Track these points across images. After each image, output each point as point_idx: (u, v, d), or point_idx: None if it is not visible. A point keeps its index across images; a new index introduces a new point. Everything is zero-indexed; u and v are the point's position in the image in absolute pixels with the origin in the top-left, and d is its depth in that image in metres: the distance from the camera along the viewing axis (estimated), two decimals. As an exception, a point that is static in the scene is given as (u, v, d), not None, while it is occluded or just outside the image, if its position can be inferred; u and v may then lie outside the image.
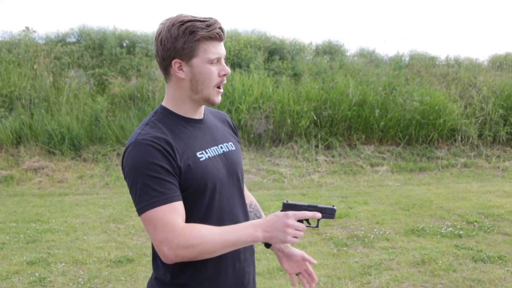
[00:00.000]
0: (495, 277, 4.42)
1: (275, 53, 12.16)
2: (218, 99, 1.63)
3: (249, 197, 1.96)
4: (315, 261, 1.87)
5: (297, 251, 1.87)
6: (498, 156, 10.53)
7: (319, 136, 9.98)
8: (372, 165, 9.71)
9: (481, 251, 5.09)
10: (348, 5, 26.01)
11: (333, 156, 9.86)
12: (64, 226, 5.83)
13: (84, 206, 6.80)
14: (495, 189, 8.36)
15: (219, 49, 1.57)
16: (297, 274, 1.90)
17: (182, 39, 1.52)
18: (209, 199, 1.60)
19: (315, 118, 10.01)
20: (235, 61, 11.42)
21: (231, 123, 1.89)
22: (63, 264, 4.63)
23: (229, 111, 9.75)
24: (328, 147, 10.05)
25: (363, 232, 5.78)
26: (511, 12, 26.23)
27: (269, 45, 12.25)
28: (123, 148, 8.72)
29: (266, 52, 12.02)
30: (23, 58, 10.38)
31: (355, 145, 10.20)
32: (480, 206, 7.03)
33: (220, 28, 1.55)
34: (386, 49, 27.43)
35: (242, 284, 1.73)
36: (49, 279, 4.28)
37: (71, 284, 4.18)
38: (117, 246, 5.16)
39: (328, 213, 1.65)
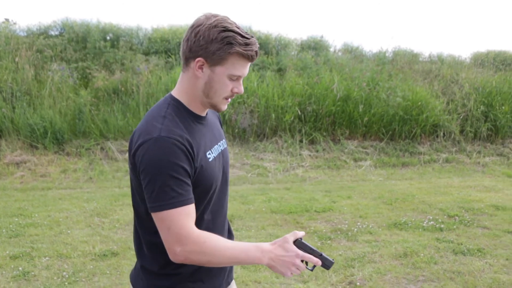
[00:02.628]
0: (474, 269, 4.51)
1: (260, 48, 12.11)
2: (225, 107, 1.64)
3: None
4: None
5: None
6: (479, 152, 10.69)
7: (303, 131, 10.03)
8: (355, 160, 9.79)
9: (461, 244, 5.19)
10: (332, 1, 26.10)
11: (317, 151, 9.92)
12: (47, 221, 5.79)
13: (68, 200, 6.76)
14: (475, 184, 8.50)
15: (245, 69, 1.57)
16: None
17: (217, 45, 1.50)
18: (210, 197, 1.63)
19: (300, 113, 10.06)
20: (220, 56, 11.41)
21: (219, 117, 1.91)
22: (47, 258, 4.61)
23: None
24: (312, 142, 10.10)
25: (346, 225, 5.85)
26: (493, 10, 26.55)
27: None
28: (107, 143, 8.72)
29: (251, 47, 12.00)
30: (3, 50, 10.24)
31: (339, 140, 10.27)
32: (460, 201, 7.15)
33: (256, 51, 1.55)
34: (370, 45, 27.61)
35: (225, 268, 1.77)
36: (33, 273, 4.25)
37: (55, 278, 4.17)
38: (101, 240, 5.15)
39: (327, 264, 1.70)
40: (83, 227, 5.59)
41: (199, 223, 1.60)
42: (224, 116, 9.69)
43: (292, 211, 6.38)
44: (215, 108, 1.63)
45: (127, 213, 6.14)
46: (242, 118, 9.90)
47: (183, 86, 1.61)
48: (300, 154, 9.63)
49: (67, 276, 4.21)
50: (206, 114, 1.70)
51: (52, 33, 11.68)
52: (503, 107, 11.32)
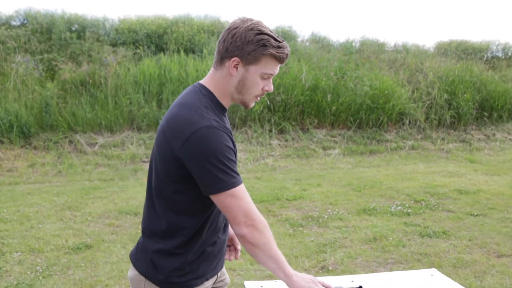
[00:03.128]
0: (440, 250, 4.70)
1: (228, 38, 12.16)
2: (253, 104, 1.74)
3: None
4: (238, 247, 2.05)
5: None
6: (443, 139, 11.01)
7: (272, 120, 10.12)
8: (324, 149, 9.95)
9: (428, 227, 5.38)
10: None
11: (286, 140, 10.03)
12: (17, 216, 5.72)
13: (37, 195, 6.67)
14: (440, 169, 8.77)
15: (275, 70, 1.67)
16: (228, 246, 2.06)
17: (252, 46, 1.60)
18: None
19: (269, 103, 10.13)
20: (189, 47, 11.37)
21: None
22: (19, 253, 4.56)
23: (183, 97, 9.71)
24: (281, 131, 10.21)
25: (317, 213, 5.97)
26: (455, 1, 27.15)
27: (222, 31, 12.21)
28: (76, 136, 8.62)
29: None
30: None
31: (308, 129, 10.41)
32: (426, 186, 7.37)
33: (287, 54, 1.66)
34: (337, 35, 27.87)
35: (222, 252, 1.88)
36: (4, 268, 4.21)
37: (28, 272, 4.14)
38: (74, 233, 5.12)
39: None
40: (55, 221, 5.54)
41: (215, 208, 1.74)
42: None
43: (264, 200, 6.47)
44: (244, 104, 1.73)
45: (99, 206, 6.12)
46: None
47: (216, 81, 1.70)
48: (269, 144, 9.72)
49: (40, 270, 4.18)
50: None
51: (14, 23, 11.40)
52: (465, 95, 11.67)
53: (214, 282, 1.90)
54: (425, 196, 6.77)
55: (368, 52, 13.18)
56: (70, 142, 8.78)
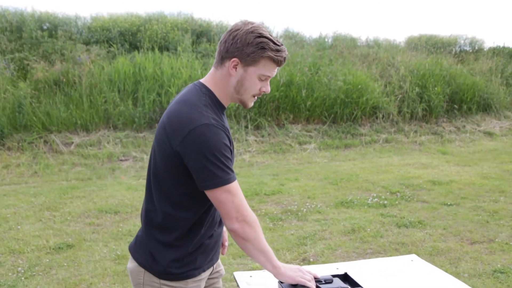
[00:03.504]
0: (416, 239, 4.85)
1: (202, 35, 12.18)
2: (251, 104, 1.81)
3: None
4: (226, 244, 2.13)
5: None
6: (416, 131, 11.25)
7: (248, 117, 10.18)
8: (300, 144, 10.06)
9: (404, 218, 5.53)
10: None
11: (262, 136, 10.11)
12: (-6, 217, 5.66)
13: (14, 196, 6.60)
14: (413, 161, 8.98)
15: (273, 71, 1.73)
16: None
17: (252, 48, 1.67)
18: None
19: (244, 99, 10.17)
20: (163, 44, 11.33)
21: None
22: (-1, 254, 4.54)
23: (159, 95, 9.71)
24: (257, 127, 10.28)
25: (296, 206, 6.07)
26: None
27: (196, 28, 12.23)
28: (51, 136, 8.53)
29: (193, 34, 12.01)
30: None
31: (284, 124, 10.51)
32: (401, 178, 7.55)
33: (285, 57, 1.72)
34: (310, 30, 28.08)
35: (217, 245, 1.96)
36: (-14, 270, 4.19)
37: (10, 274, 4.12)
38: (54, 233, 5.10)
39: None
40: (34, 221, 5.51)
41: (211, 205, 1.79)
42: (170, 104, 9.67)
43: (243, 195, 6.53)
44: (243, 103, 1.80)
45: (78, 205, 6.09)
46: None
47: (216, 80, 1.76)
48: (246, 140, 9.79)
49: (22, 271, 4.17)
50: None
51: (-18, 22, 11.17)
52: (436, 88, 11.94)
53: (210, 273, 1.97)
54: (400, 187, 6.94)
55: (341, 47, 13.36)
56: (45, 142, 8.68)
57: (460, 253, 4.49)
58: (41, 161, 8.12)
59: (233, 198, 1.66)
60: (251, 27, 1.69)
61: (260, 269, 2.12)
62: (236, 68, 1.71)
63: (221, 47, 1.73)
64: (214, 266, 1.98)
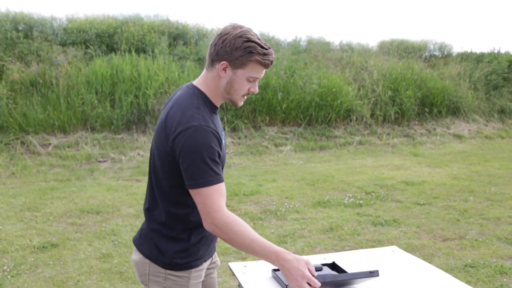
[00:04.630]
0: (391, 237, 5.06)
1: (178, 38, 12.25)
2: (241, 103, 1.91)
3: None
4: None
5: None
6: (388, 134, 11.57)
7: (225, 119, 10.31)
8: (276, 145, 10.24)
9: (379, 217, 5.75)
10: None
11: (239, 138, 10.25)
12: (-26, 218, 5.65)
13: (-8, 197, 6.58)
14: (386, 163, 9.26)
15: (261, 74, 1.84)
16: None
17: (240, 52, 1.77)
18: None
19: (222, 101, 10.29)
20: (140, 46, 11.37)
21: None
22: (-17, 254, 4.56)
23: (136, 97, 9.76)
24: (234, 129, 10.41)
25: (274, 206, 6.23)
26: (396, 1, 28.24)
27: (172, 30, 12.30)
28: (28, 137, 8.51)
29: (170, 37, 12.08)
30: None
31: (260, 126, 10.67)
32: (375, 179, 7.80)
33: (271, 60, 1.83)
34: (284, 34, 28.33)
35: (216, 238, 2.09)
36: (-29, 269, 4.21)
37: (-4, 272, 4.17)
38: (37, 233, 5.13)
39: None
40: (15, 222, 5.52)
41: None
42: (147, 106, 9.74)
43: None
44: (233, 103, 1.90)
45: (59, 206, 6.12)
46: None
47: (208, 82, 1.86)
48: (224, 142, 9.89)
49: (8, 270, 4.21)
50: None
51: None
52: (408, 92, 12.28)
53: (209, 264, 2.11)
54: (375, 188, 7.17)
55: (315, 51, 13.60)
56: (22, 143, 8.63)
57: (433, 249, 4.72)
58: (19, 162, 8.08)
59: (206, 200, 1.71)
60: (239, 32, 1.78)
61: (254, 260, 2.26)
62: (226, 70, 1.80)
63: (211, 50, 1.83)
64: (212, 257, 2.12)
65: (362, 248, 4.75)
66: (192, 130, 1.70)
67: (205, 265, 2.03)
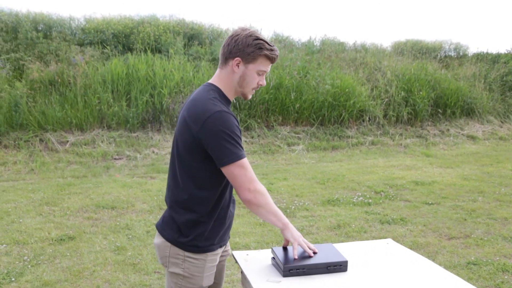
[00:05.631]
0: (397, 235, 5.17)
1: (193, 38, 12.45)
2: (250, 96, 2.15)
3: None
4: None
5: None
6: (401, 134, 11.62)
7: (239, 118, 10.46)
8: (289, 145, 10.37)
9: (387, 215, 5.86)
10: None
11: (252, 137, 10.40)
12: (-5, 211, 5.89)
13: (12, 192, 6.82)
14: (398, 163, 9.34)
15: (268, 68, 2.10)
16: None
17: (251, 48, 2.03)
18: None
19: (235, 101, 10.47)
20: (155, 46, 11.59)
21: None
22: (4, 245, 4.77)
23: (152, 96, 9.97)
24: (247, 128, 10.57)
25: (285, 204, 6.37)
26: (411, 1, 28.14)
27: (187, 31, 12.50)
28: (46, 134, 8.76)
29: (185, 37, 12.28)
30: None
31: (273, 126, 10.81)
32: (385, 178, 7.89)
33: (277, 55, 2.09)
34: (299, 34, 28.43)
35: (227, 229, 2.27)
36: (-8, 259, 4.43)
37: (17, 262, 4.37)
38: (55, 226, 5.35)
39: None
40: (34, 215, 5.74)
41: (227, 185, 2.14)
42: (162, 105, 9.94)
43: (234, 193, 6.81)
44: (244, 95, 2.14)
45: (76, 201, 6.33)
46: (179, 107, 10.18)
47: (222, 78, 2.11)
48: (237, 141, 10.04)
49: (28, 260, 4.42)
50: None
51: (-23, 23, 11.34)
52: (421, 93, 12.32)
53: (222, 251, 2.28)
54: (385, 187, 7.27)
55: (329, 52, 13.70)
56: (41, 140, 8.89)
57: (437, 247, 4.82)
58: (37, 159, 8.34)
59: (245, 171, 1.98)
60: (249, 32, 2.05)
61: (256, 250, 2.41)
62: (239, 65, 2.05)
63: (225, 49, 2.09)
64: (226, 245, 2.31)
65: (368, 245, 4.87)
66: (217, 115, 1.94)
67: (220, 250, 2.21)
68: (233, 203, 2.27)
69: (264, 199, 2.02)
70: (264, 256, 2.30)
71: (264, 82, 2.11)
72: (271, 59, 2.07)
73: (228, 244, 2.37)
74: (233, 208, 2.27)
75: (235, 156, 1.95)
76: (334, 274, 2.07)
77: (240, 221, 5.61)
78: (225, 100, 2.09)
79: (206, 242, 2.11)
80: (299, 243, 2.13)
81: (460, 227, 5.46)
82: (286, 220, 2.10)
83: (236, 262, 2.28)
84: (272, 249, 2.23)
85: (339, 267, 2.09)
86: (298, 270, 2.05)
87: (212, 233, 2.12)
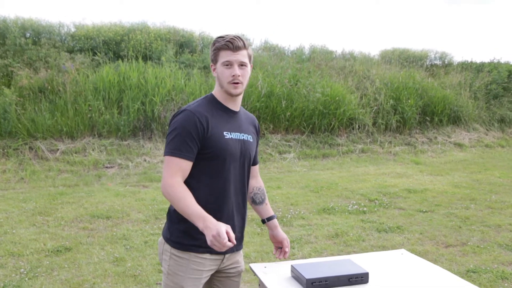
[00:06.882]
0: (396, 243, 5.20)
1: (184, 46, 12.43)
2: (235, 91, 2.16)
3: (259, 182, 2.55)
4: (288, 251, 2.50)
5: (281, 235, 2.51)
6: (390, 142, 11.72)
7: (230, 126, 10.43)
8: (280, 153, 10.39)
9: (383, 223, 5.89)
10: (251, 0, 26.75)
11: (243, 145, 10.37)
12: (-13, 221, 5.78)
13: (3, 201, 6.71)
14: (389, 171, 9.40)
15: (230, 57, 2.12)
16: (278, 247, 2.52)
17: (211, 50, 2.19)
18: (221, 164, 2.15)
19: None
20: (147, 54, 11.54)
21: (256, 125, 2.45)
22: (-1, 256, 4.69)
23: (143, 103, 9.91)
24: (238, 136, 10.53)
25: (280, 213, 6.36)
26: (397, 10, 28.49)
27: (178, 38, 12.47)
28: (36, 143, 8.62)
29: (176, 45, 12.25)
30: None
31: (264, 134, 10.82)
32: (378, 186, 7.94)
33: (229, 41, 2.10)
34: (287, 42, 28.60)
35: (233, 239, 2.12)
36: (-12, 271, 4.34)
37: (13, 275, 4.29)
38: (50, 237, 5.27)
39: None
40: (28, 226, 5.66)
41: (212, 180, 2.14)
42: (154, 113, 9.89)
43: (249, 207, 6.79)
44: (228, 93, 2.17)
45: (70, 211, 6.26)
46: (171, 115, 10.13)
47: (216, 87, 2.25)
48: (228, 149, 10.02)
49: (25, 272, 4.34)
50: (239, 112, 2.28)
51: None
52: (409, 101, 12.45)
53: (222, 265, 2.24)
54: (378, 195, 7.31)
55: (319, 60, 13.78)
56: (31, 148, 8.78)
57: (436, 255, 4.86)
58: (27, 168, 8.23)
59: (167, 166, 2.07)
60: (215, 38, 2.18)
61: (273, 261, 2.41)
62: (214, 69, 2.18)
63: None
64: (226, 257, 2.22)
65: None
66: (181, 113, 2.11)
67: (209, 257, 2.16)
68: (237, 210, 2.24)
69: (169, 197, 2.04)
70: (282, 268, 2.29)
71: (236, 71, 2.12)
72: (226, 47, 2.10)
73: (238, 260, 2.32)
74: (235, 221, 2.23)
75: (167, 149, 2.08)
76: (355, 286, 2.07)
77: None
78: (215, 104, 2.19)
79: (191, 240, 2.13)
80: (210, 241, 1.89)
81: (456, 234, 5.52)
82: (201, 216, 1.95)
83: (255, 274, 2.27)
84: (292, 265, 2.22)
85: (361, 279, 2.10)
86: (320, 283, 2.05)
87: (196, 233, 2.05)
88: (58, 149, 8.89)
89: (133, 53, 11.25)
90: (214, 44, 2.15)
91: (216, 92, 2.22)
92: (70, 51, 11.11)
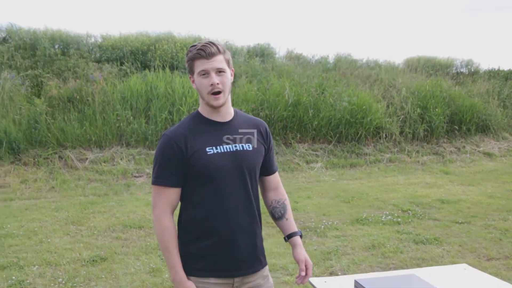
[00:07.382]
0: (435, 255, 5.08)
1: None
2: (216, 102, 2.04)
3: (280, 194, 2.36)
4: (304, 275, 2.27)
5: (299, 256, 2.31)
6: (417, 151, 11.54)
7: (257, 135, 10.39)
8: (307, 162, 10.30)
9: (419, 235, 5.77)
10: (275, 10, 26.86)
11: (270, 155, 10.31)
12: (22, 231, 5.81)
13: (36, 210, 6.75)
14: (418, 181, 9.25)
15: (204, 65, 1.99)
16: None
17: (186, 61, 2.08)
18: (210, 183, 2.05)
19: (253, 118, 10.41)
20: (173, 64, 11.59)
21: (263, 130, 2.25)
22: (36, 266, 4.69)
23: (170, 113, 9.93)
24: (265, 146, 10.48)
25: (313, 223, 6.28)
26: (419, 19, 28.29)
27: (204, 48, 12.49)
28: (65, 152, 8.68)
29: (202, 54, 12.28)
30: None
31: (291, 143, 10.75)
32: (409, 196, 7.81)
33: (201, 48, 1.98)
34: (311, 51, 28.58)
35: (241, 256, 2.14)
36: (27, 281, 4.34)
37: (52, 284, 4.28)
38: (85, 246, 5.27)
39: None
40: (62, 235, 5.67)
41: (204, 200, 2.07)
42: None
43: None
44: (209, 105, 2.07)
45: (102, 220, 6.26)
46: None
47: (199, 99, 2.13)
48: (255, 158, 9.97)
49: (63, 282, 4.33)
50: (230, 121, 2.15)
51: (-4, 39, 11.38)
52: (437, 110, 12.26)
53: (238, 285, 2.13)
54: (411, 206, 7.18)
55: (344, 69, 13.69)
56: (60, 157, 8.84)
57: (479, 269, 4.70)
58: (58, 177, 8.27)
59: (153, 196, 2.09)
60: None
61: (334, 275, 2.34)
62: (193, 82, 2.07)
63: None
64: (237, 281, 2.11)
65: (407, 266, 4.78)
66: (161, 138, 2.08)
67: (215, 280, 2.07)
68: (242, 230, 2.11)
69: (157, 235, 2.08)
70: (344, 283, 2.22)
71: (214, 80, 1.99)
72: (198, 56, 1.98)
73: (261, 283, 2.17)
74: (240, 235, 2.11)
75: (152, 179, 2.07)
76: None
77: (272, 241, 5.50)
78: (198, 119, 2.09)
79: (192, 264, 2.07)
80: None
81: (497, 247, 5.37)
82: (173, 267, 2.03)
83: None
84: (355, 280, 2.15)
85: None
86: None
87: (194, 256, 2.07)
88: (87, 158, 8.94)
89: (159, 62, 11.31)
90: (187, 54, 2.04)
91: (201, 105, 2.11)
92: (98, 61, 11.23)
